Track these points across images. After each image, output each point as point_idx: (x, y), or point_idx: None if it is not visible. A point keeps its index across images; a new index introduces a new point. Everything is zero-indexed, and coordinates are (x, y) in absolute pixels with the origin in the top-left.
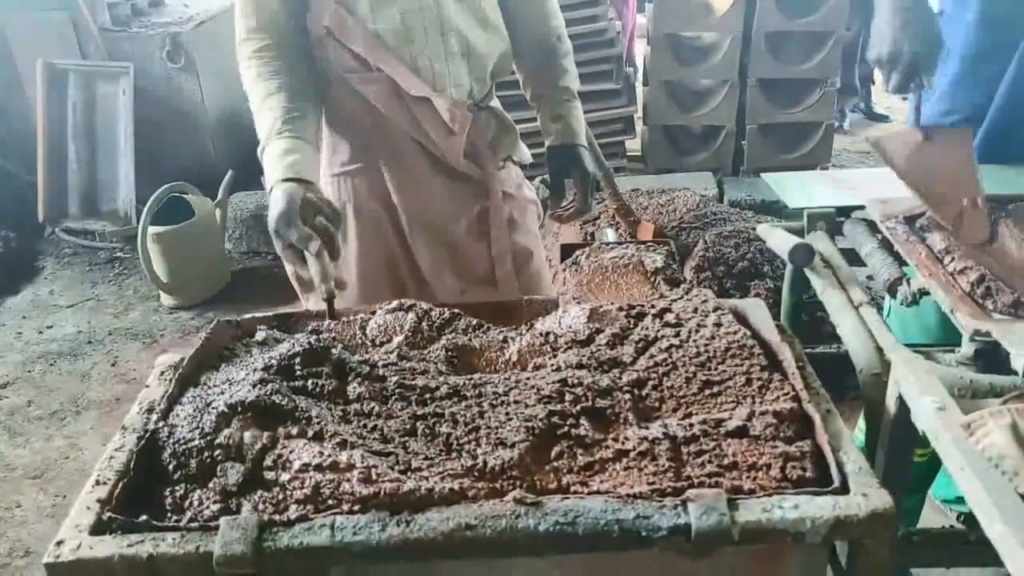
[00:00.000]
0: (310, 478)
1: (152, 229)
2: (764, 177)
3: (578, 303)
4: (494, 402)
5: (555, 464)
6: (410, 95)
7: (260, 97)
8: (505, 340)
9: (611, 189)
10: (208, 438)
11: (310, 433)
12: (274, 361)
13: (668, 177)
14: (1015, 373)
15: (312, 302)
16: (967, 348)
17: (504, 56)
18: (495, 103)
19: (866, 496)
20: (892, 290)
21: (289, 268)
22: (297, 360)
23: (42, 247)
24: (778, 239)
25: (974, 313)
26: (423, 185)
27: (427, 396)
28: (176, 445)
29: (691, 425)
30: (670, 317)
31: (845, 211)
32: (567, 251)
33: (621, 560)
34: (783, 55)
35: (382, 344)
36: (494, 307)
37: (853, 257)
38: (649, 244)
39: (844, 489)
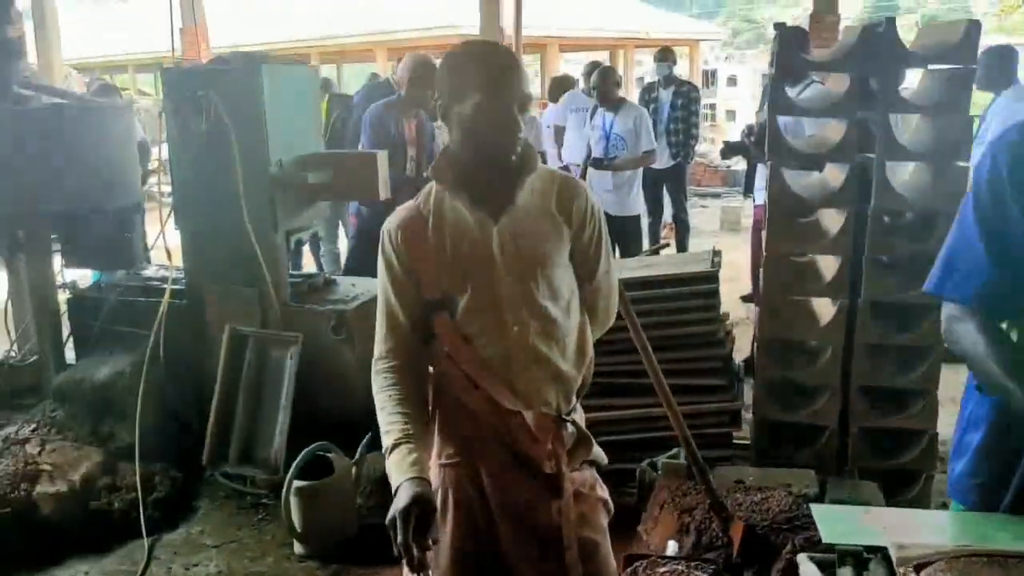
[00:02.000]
0: None
1: (296, 483)
2: (812, 508)
3: None
4: None
5: None
6: (506, 408)
7: (389, 409)
8: None
9: (705, 484)
10: None
11: None
12: None
13: (772, 471)
14: None
15: None
16: None
17: (586, 380)
18: (578, 416)
19: None
20: None
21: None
22: None
23: (201, 489)
24: (803, 573)
25: None
26: (512, 480)
27: None
28: None
29: None
30: None
31: (874, 550)
32: (629, 561)
33: None
34: (883, 363)
35: None
36: None
37: None
38: (699, 563)
39: None
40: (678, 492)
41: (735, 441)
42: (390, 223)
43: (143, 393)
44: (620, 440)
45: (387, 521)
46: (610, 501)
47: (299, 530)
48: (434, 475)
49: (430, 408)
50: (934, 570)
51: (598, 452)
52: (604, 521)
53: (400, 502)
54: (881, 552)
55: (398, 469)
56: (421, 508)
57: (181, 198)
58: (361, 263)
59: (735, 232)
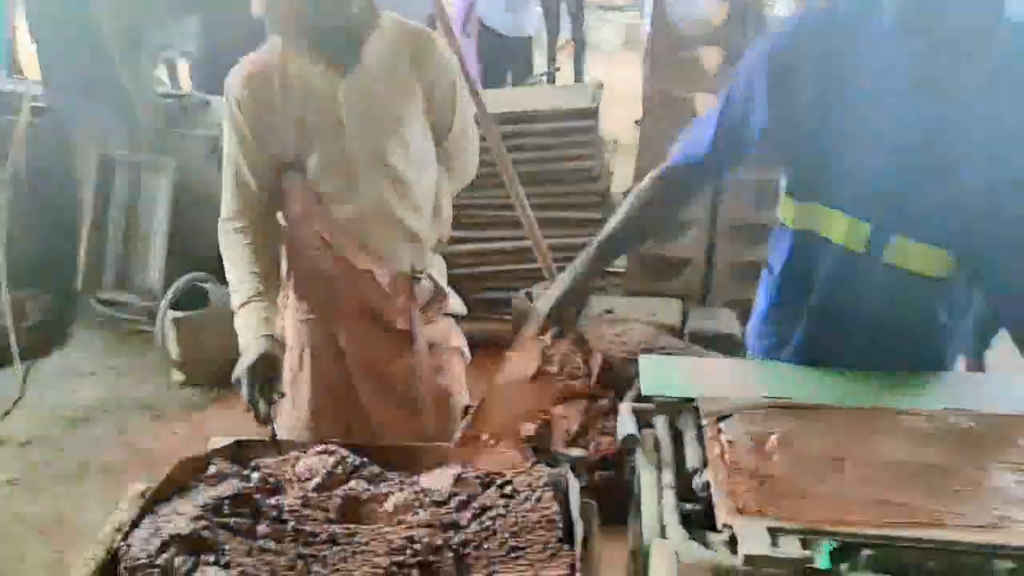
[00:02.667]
0: None
1: (171, 313)
2: (640, 359)
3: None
4: (357, 550)
5: None
6: (358, 267)
7: (239, 268)
8: (388, 494)
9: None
10: (151, 558)
11: (222, 562)
12: (210, 500)
13: (640, 301)
14: None
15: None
16: (725, 534)
17: (442, 237)
18: (436, 269)
19: None
20: (692, 477)
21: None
22: (226, 501)
23: (75, 316)
24: (620, 422)
25: (730, 510)
26: (366, 336)
27: (311, 540)
28: (128, 561)
29: None
30: (508, 488)
31: (686, 401)
32: (467, 412)
33: None
34: (746, 198)
35: (307, 480)
36: (404, 451)
37: None
38: (547, 380)
39: None
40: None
41: (608, 271)
42: (233, 78)
43: (8, 218)
44: (498, 271)
45: (233, 378)
46: (466, 349)
47: (177, 359)
48: (291, 331)
49: (284, 267)
50: (734, 421)
51: (455, 304)
52: (459, 369)
53: (246, 359)
54: (692, 404)
55: (247, 327)
56: (267, 364)
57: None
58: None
59: (638, 50)
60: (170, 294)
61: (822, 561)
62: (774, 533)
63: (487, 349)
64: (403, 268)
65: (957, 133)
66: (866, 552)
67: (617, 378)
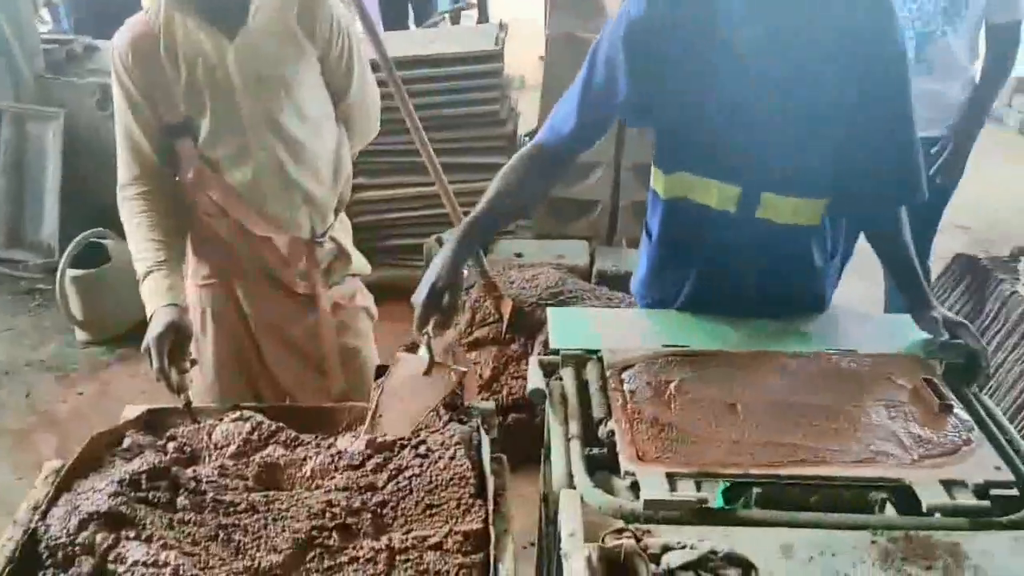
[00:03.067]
0: (138, 571)
1: (70, 272)
2: (548, 312)
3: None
4: (277, 516)
5: (308, 565)
6: (256, 233)
7: (139, 235)
8: (305, 459)
9: (479, 266)
10: (71, 537)
11: (143, 536)
12: (127, 475)
13: (549, 243)
14: None
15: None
16: (628, 480)
17: (343, 198)
18: (339, 231)
19: None
20: (597, 427)
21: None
22: (144, 476)
23: None
24: (529, 376)
25: (631, 457)
26: (267, 299)
27: (231, 509)
28: (48, 540)
29: (407, 539)
30: (423, 448)
31: (592, 353)
32: (379, 372)
33: None
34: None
35: (223, 447)
36: (318, 412)
37: None
38: (442, 372)
39: None
40: None
41: None
42: (119, 42)
43: None
44: (407, 217)
45: (142, 349)
46: (372, 308)
47: (79, 318)
48: (192, 295)
49: (184, 232)
50: (635, 371)
51: (359, 264)
52: (365, 326)
53: (155, 329)
54: (596, 355)
55: (152, 296)
56: (176, 333)
57: None
58: None
59: None
60: (68, 252)
61: (716, 501)
62: (672, 478)
63: (399, 296)
64: (302, 233)
65: (810, 91)
66: (755, 490)
67: (528, 323)
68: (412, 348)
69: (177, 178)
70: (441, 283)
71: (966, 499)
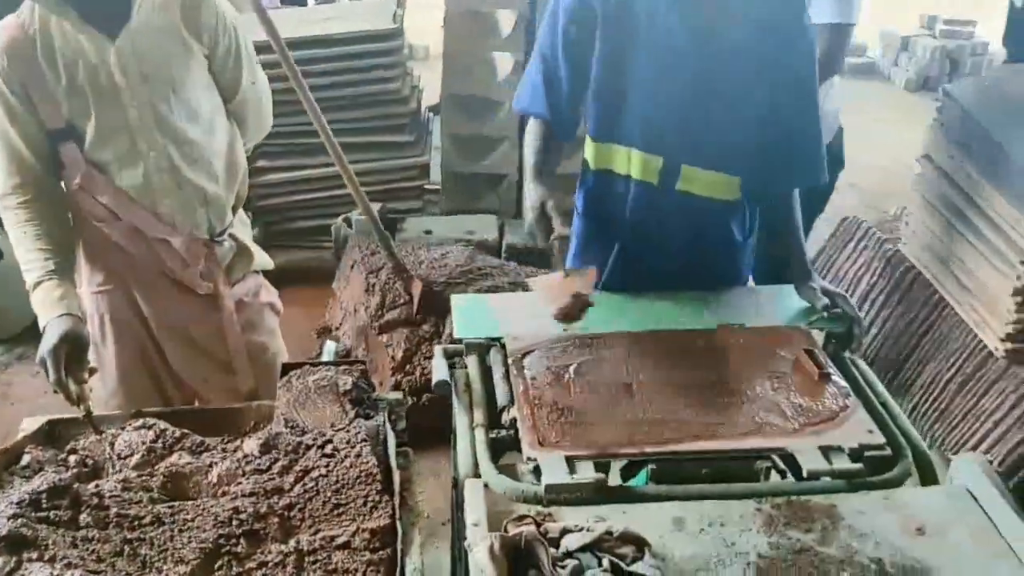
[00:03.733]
0: None
1: None
2: (452, 299)
3: (285, 420)
4: (182, 527)
5: (216, 574)
6: (151, 236)
7: (26, 245)
8: (211, 465)
9: (387, 249)
10: None
11: (46, 557)
12: (27, 495)
13: (458, 219)
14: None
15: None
16: (530, 465)
17: (240, 195)
18: (238, 228)
19: None
20: (501, 414)
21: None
22: (44, 495)
23: None
24: (434, 367)
25: (533, 443)
26: (167, 300)
27: (136, 523)
28: None
29: (315, 540)
30: (329, 448)
31: (495, 340)
32: (285, 370)
33: None
34: None
35: (127, 457)
36: (224, 413)
37: None
38: (344, 367)
39: None
40: (368, 251)
41: (428, 188)
42: None
43: None
44: (312, 199)
45: (37, 361)
46: (277, 303)
47: None
48: (88, 302)
49: (74, 238)
50: (535, 357)
51: (262, 260)
52: (272, 322)
53: (49, 340)
54: (499, 342)
55: (44, 307)
56: (71, 344)
57: None
58: None
59: None
60: None
61: (613, 480)
62: (571, 461)
63: (309, 281)
64: (201, 232)
65: (728, 73)
66: (651, 467)
67: (438, 303)
68: (323, 332)
69: (63, 184)
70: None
71: (842, 463)
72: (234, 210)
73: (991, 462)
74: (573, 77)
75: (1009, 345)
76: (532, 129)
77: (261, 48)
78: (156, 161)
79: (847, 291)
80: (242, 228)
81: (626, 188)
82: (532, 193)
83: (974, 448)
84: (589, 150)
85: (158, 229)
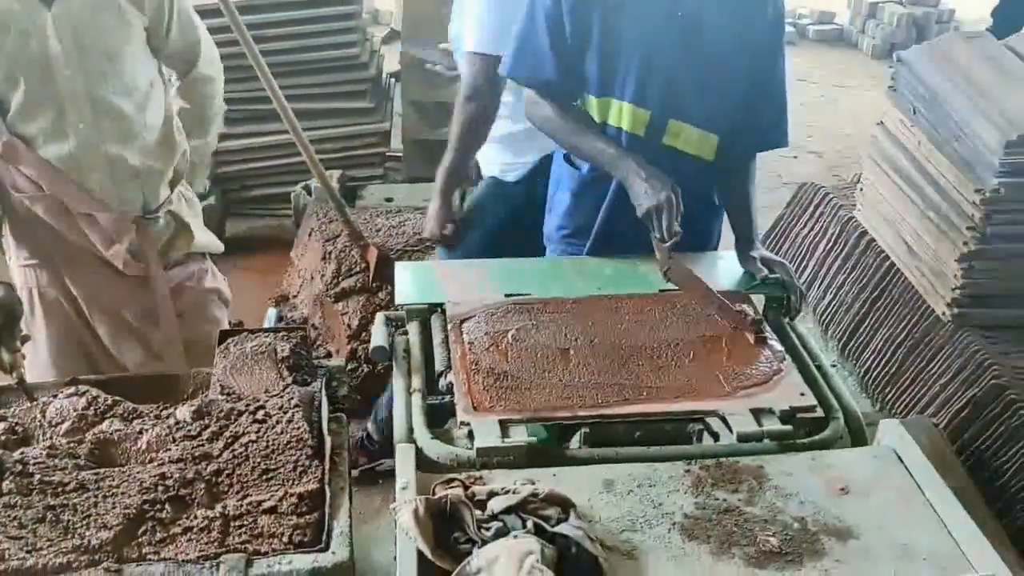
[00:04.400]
0: None
1: None
2: (397, 265)
3: (222, 387)
4: (107, 493)
5: (140, 539)
6: (76, 212)
7: None
8: (141, 432)
9: (342, 215)
10: None
11: None
12: None
13: (419, 186)
14: None
15: None
16: (464, 430)
17: (179, 170)
18: (176, 206)
19: (335, 553)
20: (438, 379)
21: None
22: None
23: None
24: (373, 333)
25: (467, 407)
26: (96, 280)
27: (60, 490)
28: None
29: (242, 505)
30: (261, 414)
31: (436, 306)
32: (222, 337)
33: None
34: None
35: (58, 424)
36: (161, 379)
37: None
38: (283, 333)
39: (326, 548)
40: (326, 219)
41: (389, 155)
42: None
43: None
44: (270, 166)
45: None
46: (225, 291)
47: None
48: (16, 276)
49: None
50: (474, 322)
51: (206, 241)
52: (216, 313)
53: None
54: (440, 308)
55: None
56: (2, 313)
57: None
58: None
59: None
60: None
61: (545, 441)
62: (504, 425)
63: (268, 248)
64: (130, 208)
65: (712, 33)
66: (583, 430)
67: (394, 270)
68: (280, 301)
69: None
70: None
71: (772, 425)
72: (172, 185)
73: (936, 425)
74: (578, 37)
75: (955, 310)
76: (538, 106)
77: (210, 12)
78: (86, 135)
79: (803, 257)
80: (184, 206)
81: (618, 139)
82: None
83: (923, 411)
84: (591, 107)
85: (84, 204)
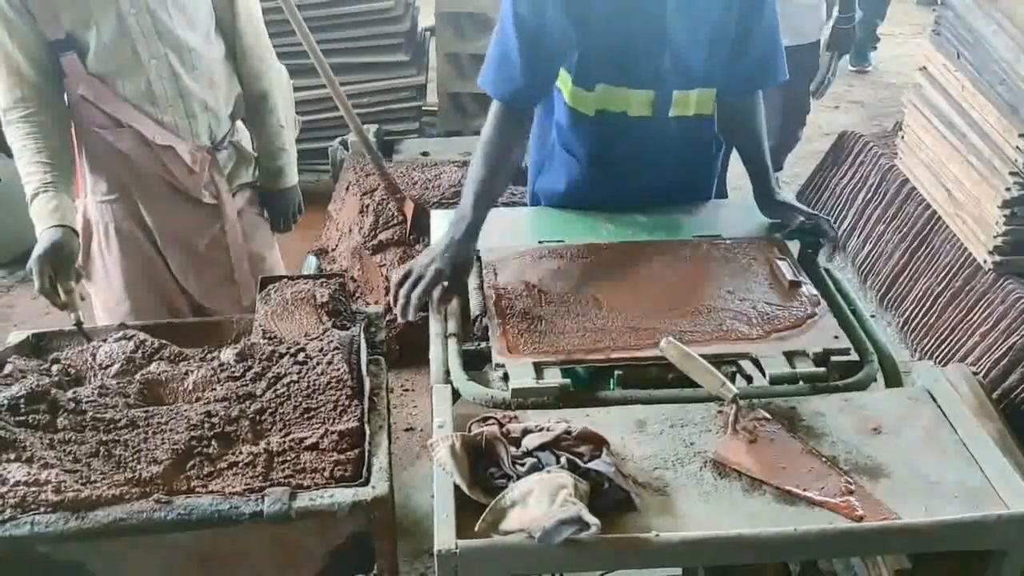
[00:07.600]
0: (20, 491)
1: None
2: (432, 214)
3: (263, 331)
4: (156, 430)
5: (188, 473)
6: (156, 143)
7: (26, 158)
8: (187, 373)
9: (379, 169)
10: None
11: (24, 457)
12: (5, 400)
13: (455, 140)
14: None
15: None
16: (500, 372)
17: (238, 104)
18: (238, 136)
19: (374, 487)
20: (474, 324)
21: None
22: (22, 400)
23: None
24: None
25: (502, 350)
26: (171, 210)
27: (111, 426)
28: None
29: (285, 442)
30: (301, 356)
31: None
32: (263, 284)
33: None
34: None
35: (107, 367)
36: (205, 325)
37: None
38: (322, 280)
39: (366, 482)
40: (363, 173)
41: (425, 110)
42: None
43: None
44: (310, 121)
45: (26, 269)
46: (266, 213)
47: None
48: (93, 212)
49: (75, 150)
50: (510, 268)
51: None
52: (267, 234)
53: (37, 250)
54: (477, 254)
55: (39, 217)
56: (58, 253)
57: None
58: None
59: None
60: None
61: (580, 385)
62: (538, 367)
63: (306, 201)
64: (202, 140)
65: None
66: (617, 373)
67: (428, 225)
68: (319, 254)
69: (65, 95)
70: (457, 269)
71: (806, 367)
72: (232, 118)
73: (976, 374)
74: (569, 36)
75: (997, 258)
76: (490, 139)
77: None
78: (158, 69)
79: (842, 206)
80: (242, 136)
81: (624, 125)
82: (453, 242)
83: (962, 360)
84: (582, 101)
85: (163, 136)
